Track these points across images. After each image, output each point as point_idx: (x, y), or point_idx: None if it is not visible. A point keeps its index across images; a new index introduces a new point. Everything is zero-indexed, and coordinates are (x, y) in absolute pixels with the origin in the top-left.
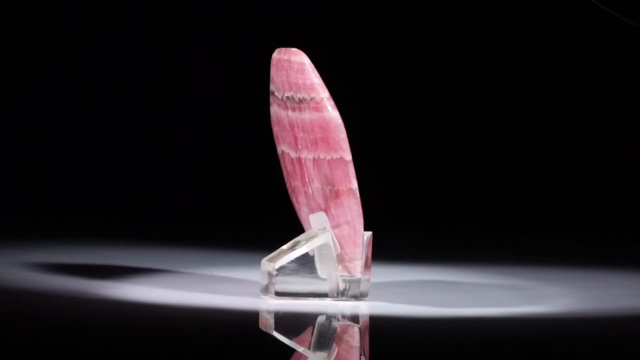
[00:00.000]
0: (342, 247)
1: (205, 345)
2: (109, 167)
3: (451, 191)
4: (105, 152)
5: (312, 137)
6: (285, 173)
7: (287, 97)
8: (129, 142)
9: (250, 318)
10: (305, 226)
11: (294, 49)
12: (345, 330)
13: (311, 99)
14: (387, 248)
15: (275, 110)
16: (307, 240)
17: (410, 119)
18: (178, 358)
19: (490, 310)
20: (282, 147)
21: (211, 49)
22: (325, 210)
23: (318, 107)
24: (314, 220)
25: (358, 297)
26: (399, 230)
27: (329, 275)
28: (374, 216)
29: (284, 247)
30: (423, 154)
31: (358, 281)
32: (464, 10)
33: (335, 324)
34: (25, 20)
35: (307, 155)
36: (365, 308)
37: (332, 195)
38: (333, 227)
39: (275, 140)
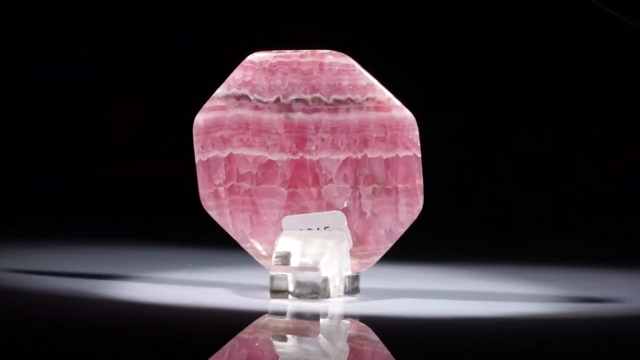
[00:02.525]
0: (364, 244)
1: (206, 346)
2: (107, 167)
3: (452, 192)
4: (109, 154)
5: (356, 137)
6: (219, 177)
7: (299, 99)
8: (127, 143)
9: (253, 318)
10: (245, 228)
11: (321, 51)
12: (359, 330)
13: (367, 99)
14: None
15: (240, 113)
16: (329, 240)
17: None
18: (178, 358)
19: (489, 310)
20: (238, 151)
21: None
22: (347, 210)
23: (383, 107)
24: (301, 221)
25: (353, 293)
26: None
27: (333, 274)
28: None
29: (294, 250)
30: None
31: (355, 277)
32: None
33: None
34: None
35: (329, 156)
36: (365, 307)
37: (379, 192)
38: (368, 225)
39: (211, 145)
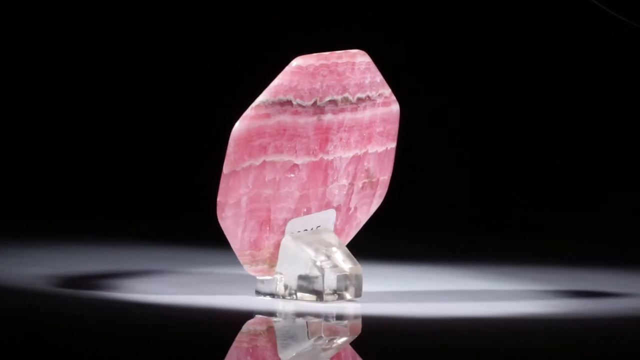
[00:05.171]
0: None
1: (208, 346)
2: (108, 166)
3: (451, 191)
4: (103, 151)
5: (365, 133)
6: (247, 185)
7: (332, 100)
8: (128, 141)
9: (248, 317)
10: (252, 236)
11: (353, 51)
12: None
13: (379, 95)
14: (386, 247)
15: (281, 119)
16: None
17: (412, 118)
18: (178, 358)
19: (488, 310)
20: (270, 158)
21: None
22: (340, 207)
23: (387, 102)
24: (304, 222)
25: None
26: (398, 230)
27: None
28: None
29: (325, 251)
30: (422, 152)
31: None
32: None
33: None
34: None
35: (342, 154)
36: (362, 309)
37: (366, 186)
38: (347, 220)
39: (248, 154)
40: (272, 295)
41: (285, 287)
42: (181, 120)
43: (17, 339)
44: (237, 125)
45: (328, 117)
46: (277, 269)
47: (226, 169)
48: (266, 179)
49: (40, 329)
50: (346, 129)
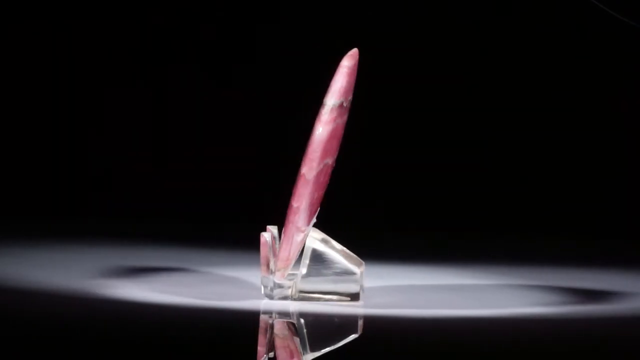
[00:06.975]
0: None
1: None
2: (111, 166)
3: (450, 191)
4: (108, 151)
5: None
6: (312, 187)
7: (349, 100)
8: (133, 141)
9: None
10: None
11: (357, 50)
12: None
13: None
14: (385, 248)
15: (338, 122)
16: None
17: (408, 117)
18: (179, 358)
19: (489, 310)
20: (325, 161)
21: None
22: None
23: None
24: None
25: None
26: (397, 231)
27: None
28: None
29: (335, 248)
30: (421, 152)
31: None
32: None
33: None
34: None
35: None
36: (361, 309)
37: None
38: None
39: (321, 159)
40: (287, 298)
41: (300, 290)
42: (181, 121)
43: (17, 339)
44: (320, 130)
45: (344, 118)
46: (302, 270)
47: (309, 174)
48: (320, 182)
49: (40, 329)
50: (345, 127)
